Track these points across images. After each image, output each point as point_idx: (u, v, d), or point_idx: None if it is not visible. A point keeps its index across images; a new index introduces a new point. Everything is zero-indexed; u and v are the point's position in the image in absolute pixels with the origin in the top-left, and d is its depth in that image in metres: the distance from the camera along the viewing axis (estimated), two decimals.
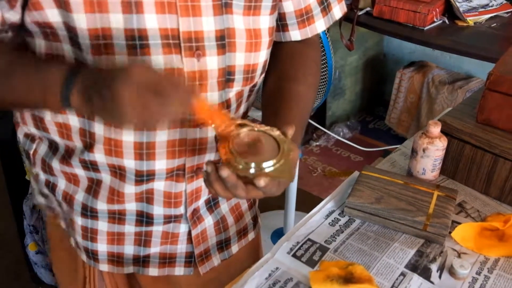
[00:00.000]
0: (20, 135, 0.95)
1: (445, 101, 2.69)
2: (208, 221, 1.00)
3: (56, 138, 0.88)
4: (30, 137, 0.93)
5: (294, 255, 0.89)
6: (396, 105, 3.01)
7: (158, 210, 0.92)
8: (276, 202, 2.52)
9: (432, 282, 0.84)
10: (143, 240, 0.96)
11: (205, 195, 0.96)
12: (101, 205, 0.92)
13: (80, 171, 0.90)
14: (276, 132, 0.76)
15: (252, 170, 0.71)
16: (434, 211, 0.93)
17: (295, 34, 0.95)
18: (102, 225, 0.94)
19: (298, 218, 1.39)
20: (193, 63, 0.79)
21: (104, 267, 0.99)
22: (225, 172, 0.70)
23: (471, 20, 2.20)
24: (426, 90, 2.82)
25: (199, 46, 0.79)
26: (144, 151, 0.84)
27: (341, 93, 3.12)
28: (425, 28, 2.18)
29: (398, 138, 2.97)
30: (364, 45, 3.10)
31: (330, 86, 1.73)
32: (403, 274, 0.85)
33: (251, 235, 1.09)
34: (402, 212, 0.93)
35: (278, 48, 0.96)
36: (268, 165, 0.71)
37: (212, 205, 0.99)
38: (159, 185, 0.89)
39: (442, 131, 1.01)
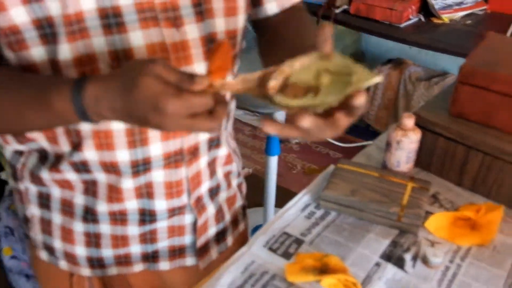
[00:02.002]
0: (8, 153, 0.91)
1: (421, 97, 2.72)
2: (211, 209, 0.98)
3: (44, 144, 0.84)
4: (18, 153, 0.89)
5: (270, 249, 0.89)
6: (374, 102, 3.04)
7: (160, 204, 0.90)
8: (255, 200, 2.53)
9: (406, 271, 0.85)
10: (149, 238, 0.94)
11: (206, 180, 0.95)
12: (102, 206, 0.88)
13: (72, 176, 0.86)
14: (313, 58, 0.64)
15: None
16: (408, 202, 0.94)
17: (271, 6, 0.91)
18: (105, 229, 0.91)
19: None
20: (173, 34, 0.77)
21: (112, 270, 0.96)
22: (306, 122, 0.59)
23: (446, 17, 2.23)
24: (403, 86, 2.85)
25: (177, 16, 0.77)
26: (137, 137, 0.81)
27: None
28: (402, 26, 2.21)
29: (377, 135, 2.97)
30: (343, 43, 3.11)
31: None
32: (377, 264, 0.86)
33: (241, 226, 1.09)
34: (377, 203, 0.94)
35: (268, 32, 0.93)
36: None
37: (213, 193, 0.98)
38: (158, 176, 0.87)
39: (416, 124, 1.02)
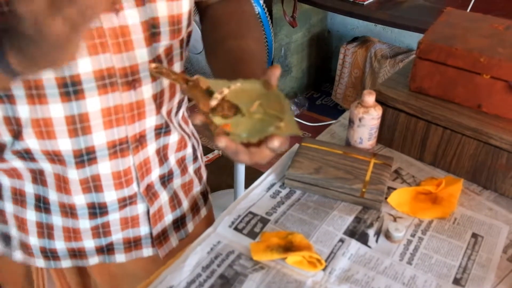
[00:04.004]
0: None
1: (387, 74, 2.75)
2: (163, 197, 0.96)
3: None
4: None
5: (235, 228, 0.89)
6: (342, 80, 3.06)
7: (109, 195, 0.88)
8: (226, 181, 2.53)
9: (369, 246, 0.87)
10: (102, 231, 0.92)
11: (156, 168, 0.93)
12: (53, 195, 0.87)
13: (18, 163, 0.84)
14: (257, 85, 0.70)
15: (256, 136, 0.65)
16: (371, 178, 0.95)
17: None
18: (57, 220, 0.90)
19: None
20: (112, 19, 0.75)
21: (67, 263, 0.94)
22: (222, 143, 0.64)
23: None
24: (369, 64, 2.87)
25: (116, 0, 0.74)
26: (78, 125, 0.79)
27: (288, 70, 3.14)
28: (365, 3, 2.22)
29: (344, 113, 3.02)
30: (309, 22, 3.12)
31: (271, 63, 1.74)
32: (341, 240, 0.87)
33: (203, 211, 1.08)
34: (340, 180, 0.95)
35: (211, 14, 0.93)
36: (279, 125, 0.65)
37: (165, 180, 0.97)
38: (105, 167, 0.85)
39: (377, 101, 1.03)
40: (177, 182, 0.99)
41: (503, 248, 0.87)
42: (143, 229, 0.96)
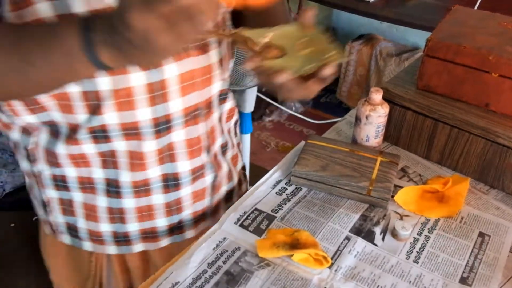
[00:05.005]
0: (14, 135, 0.87)
1: (392, 72, 2.74)
2: (224, 168, 1.00)
3: (56, 115, 0.79)
4: (26, 132, 0.86)
5: (241, 225, 0.89)
6: (346, 78, 3.05)
7: (183, 166, 0.90)
8: None
9: (375, 244, 0.86)
10: (175, 208, 0.94)
11: (219, 136, 0.96)
12: (125, 176, 0.87)
13: (89, 148, 0.83)
14: (295, 27, 0.73)
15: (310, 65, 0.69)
16: (377, 176, 0.95)
17: None
18: (129, 202, 0.90)
19: None
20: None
21: (138, 247, 0.96)
22: (280, 78, 0.68)
23: None
24: (374, 62, 2.86)
25: None
26: (157, 93, 0.80)
27: None
28: (371, 1, 2.21)
29: (349, 111, 3.02)
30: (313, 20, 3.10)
31: None
32: (347, 238, 0.87)
33: (243, 187, 1.11)
34: (347, 178, 0.94)
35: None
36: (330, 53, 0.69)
37: (224, 150, 1.00)
38: (179, 135, 0.87)
39: (384, 98, 1.03)
40: (229, 154, 1.02)
41: (510, 247, 0.87)
42: (207, 201, 0.98)
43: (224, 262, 0.82)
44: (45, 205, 0.95)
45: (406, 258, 0.84)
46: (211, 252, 0.84)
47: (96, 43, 0.58)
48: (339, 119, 1.25)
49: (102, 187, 0.89)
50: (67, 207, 0.93)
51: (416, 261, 0.83)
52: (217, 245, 0.85)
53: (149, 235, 0.96)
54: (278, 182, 1.00)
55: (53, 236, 0.99)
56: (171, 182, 0.91)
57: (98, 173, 0.88)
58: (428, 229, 0.90)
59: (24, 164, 0.91)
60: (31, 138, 0.86)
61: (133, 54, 0.57)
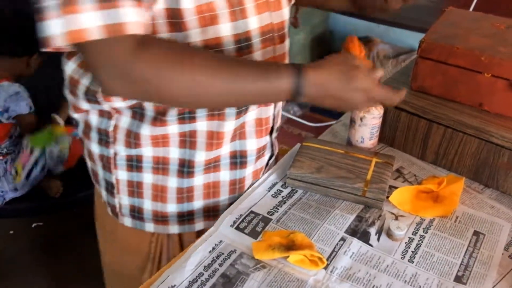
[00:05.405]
0: (93, 117, 0.93)
1: (390, 74, 2.74)
2: (276, 148, 1.06)
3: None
4: (106, 115, 0.91)
5: (237, 228, 0.90)
6: None
7: (251, 144, 0.96)
8: None
9: (371, 245, 0.87)
10: (237, 187, 0.98)
11: (278, 121, 1.03)
12: (199, 155, 0.91)
13: (173, 128, 0.89)
14: None
15: None
16: (372, 177, 0.95)
17: None
18: (199, 180, 0.95)
19: None
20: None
21: (199, 225, 1.01)
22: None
23: None
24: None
25: None
26: (236, 8, 0.85)
27: None
28: None
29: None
30: (311, 23, 3.12)
31: None
32: (343, 239, 0.87)
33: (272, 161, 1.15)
34: (342, 180, 0.95)
35: None
36: None
37: (276, 131, 1.06)
38: (252, 114, 0.94)
39: None
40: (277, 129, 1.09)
41: (504, 246, 0.87)
42: (261, 180, 1.02)
43: (220, 265, 0.82)
44: (112, 187, 0.98)
45: (401, 258, 0.84)
46: (207, 255, 0.84)
47: (304, 98, 0.78)
48: (336, 121, 1.26)
49: (174, 167, 0.94)
50: (135, 188, 0.97)
51: (411, 261, 0.84)
52: (213, 248, 0.86)
53: (212, 213, 1.00)
54: (274, 184, 1.01)
55: (114, 219, 1.03)
56: (239, 160, 0.97)
57: (174, 153, 0.92)
58: (423, 228, 0.90)
59: (93, 147, 0.96)
60: (111, 121, 0.90)
61: (334, 104, 0.81)
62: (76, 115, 0.96)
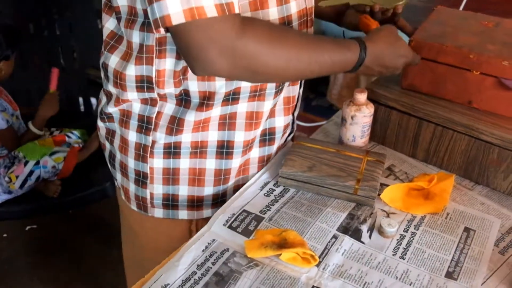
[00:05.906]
0: (135, 105, 0.94)
1: None
2: (295, 126, 1.13)
3: (194, 87, 0.89)
4: (150, 102, 0.93)
5: (230, 227, 0.90)
6: (336, 81, 3.06)
7: (279, 121, 1.02)
8: None
9: (362, 242, 0.87)
10: (264, 164, 1.05)
11: (300, 98, 1.08)
12: (239, 136, 0.96)
13: (216, 111, 0.93)
14: None
15: None
16: (364, 175, 0.96)
17: None
18: (236, 162, 0.99)
19: None
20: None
21: (208, 212, 1.04)
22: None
23: None
24: None
25: None
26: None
27: None
28: None
29: None
30: None
31: None
32: (335, 237, 0.88)
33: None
34: (334, 178, 0.96)
35: None
36: None
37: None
38: (283, 94, 1.00)
39: (369, 99, 1.04)
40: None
41: (495, 242, 0.88)
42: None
43: (213, 264, 0.83)
44: (145, 177, 0.99)
45: (393, 254, 0.85)
46: (200, 254, 0.85)
47: (362, 67, 0.91)
48: (328, 120, 1.27)
49: (213, 150, 0.97)
50: (171, 176, 0.99)
51: (402, 257, 0.84)
52: (206, 247, 0.86)
53: (218, 200, 1.02)
54: (266, 183, 1.01)
55: (141, 214, 1.04)
56: (267, 137, 1.02)
57: (212, 136, 0.96)
58: (414, 225, 0.91)
59: (130, 136, 0.97)
60: (155, 108, 0.93)
61: (382, 70, 0.95)
62: (112, 109, 0.97)
